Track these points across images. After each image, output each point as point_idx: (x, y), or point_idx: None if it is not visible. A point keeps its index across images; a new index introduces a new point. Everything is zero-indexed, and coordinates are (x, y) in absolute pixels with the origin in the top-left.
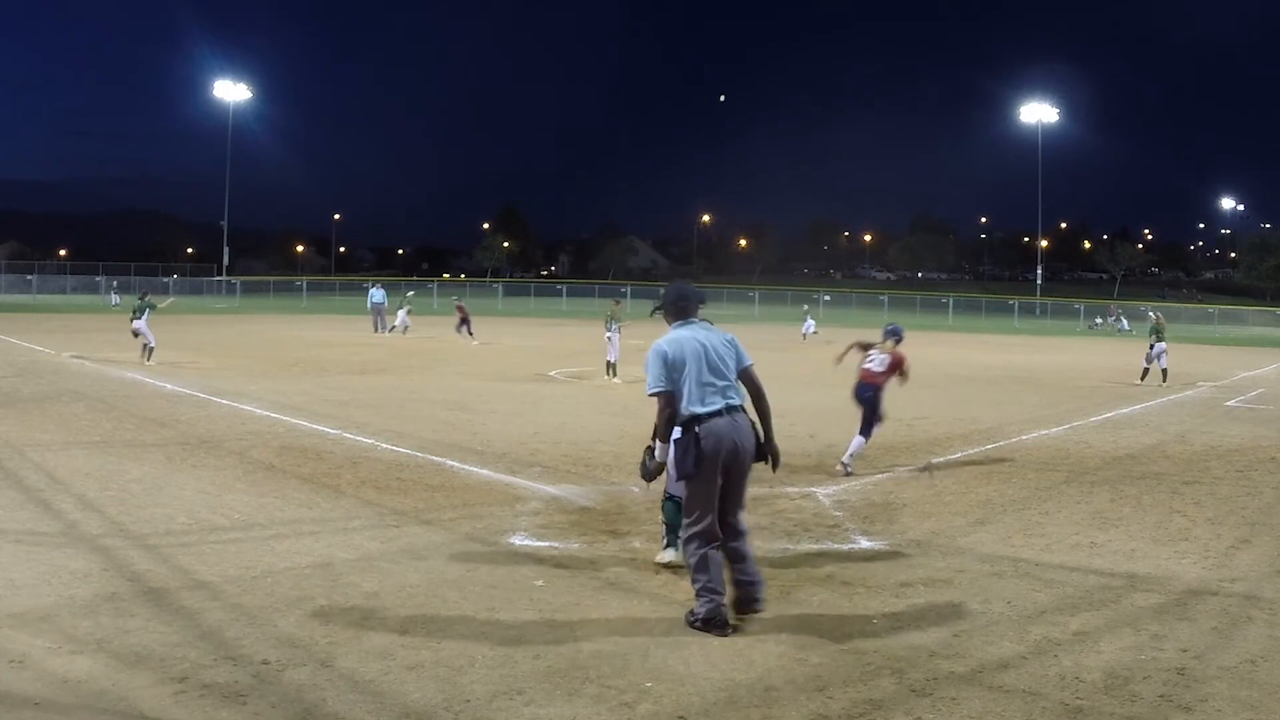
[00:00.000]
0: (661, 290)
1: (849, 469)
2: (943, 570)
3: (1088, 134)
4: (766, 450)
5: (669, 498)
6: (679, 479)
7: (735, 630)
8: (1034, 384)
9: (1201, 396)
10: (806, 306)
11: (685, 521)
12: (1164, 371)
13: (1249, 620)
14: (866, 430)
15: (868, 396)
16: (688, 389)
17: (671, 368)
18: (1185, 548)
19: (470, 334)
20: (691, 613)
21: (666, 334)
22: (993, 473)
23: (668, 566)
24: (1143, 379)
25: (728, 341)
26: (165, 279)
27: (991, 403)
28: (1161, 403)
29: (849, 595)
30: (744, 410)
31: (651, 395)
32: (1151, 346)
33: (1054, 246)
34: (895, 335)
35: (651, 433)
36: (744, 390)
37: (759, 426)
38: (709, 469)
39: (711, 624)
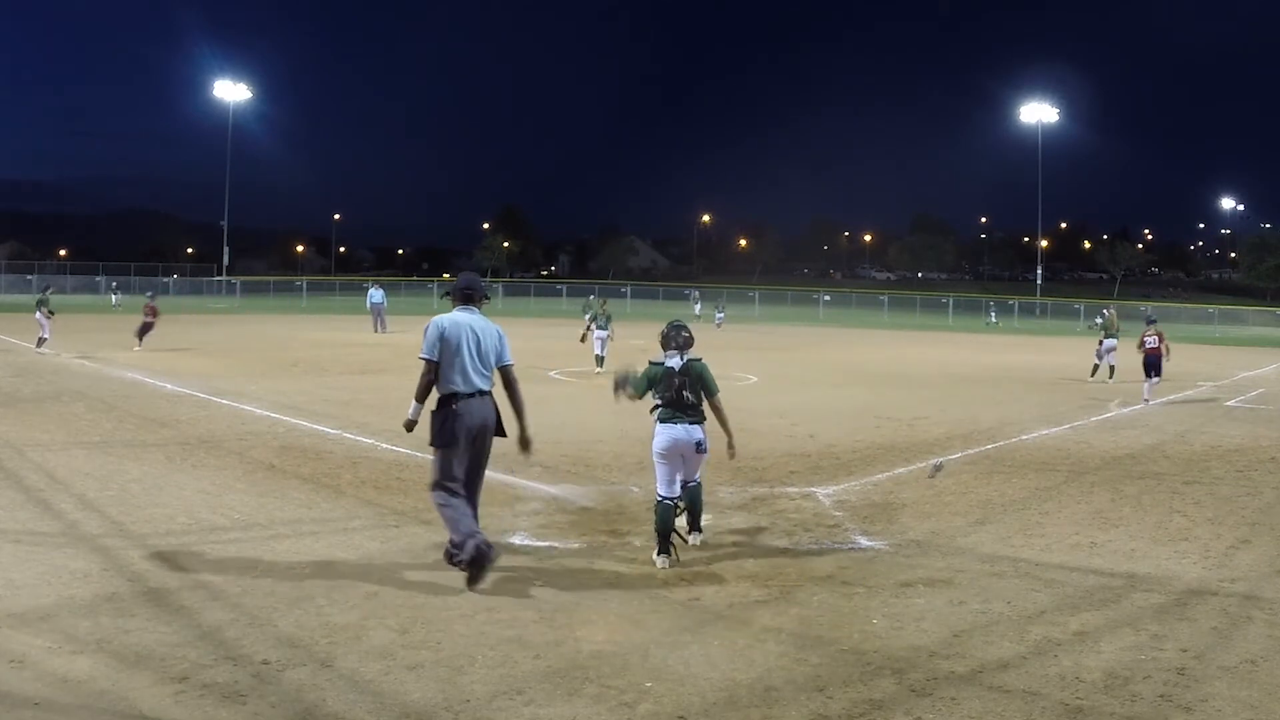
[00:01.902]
0: (453, 279)
1: (1149, 398)
2: (943, 570)
3: (1088, 134)
4: (522, 439)
5: (661, 499)
6: (434, 445)
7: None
8: (1034, 384)
9: (1201, 396)
10: (722, 299)
11: (432, 479)
12: (1111, 369)
13: (1249, 620)
14: (1158, 374)
15: (1154, 361)
16: (456, 367)
17: (445, 344)
18: (1185, 548)
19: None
20: (452, 549)
21: (449, 313)
22: (993, 473)
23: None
24: (1092, 375)
25: (499, 335)
26: (165, 279)
27: (991, 403)
28: (1161, 403)
29: (849, 595)
30: (489, 395)
31: (421, 359)
32: (1100, 343)
33: (1054, 246)
34: (1154, 321)
35: (617, 383)
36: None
37: (502, 412)
38: (461, 440)
39: (478, 562)
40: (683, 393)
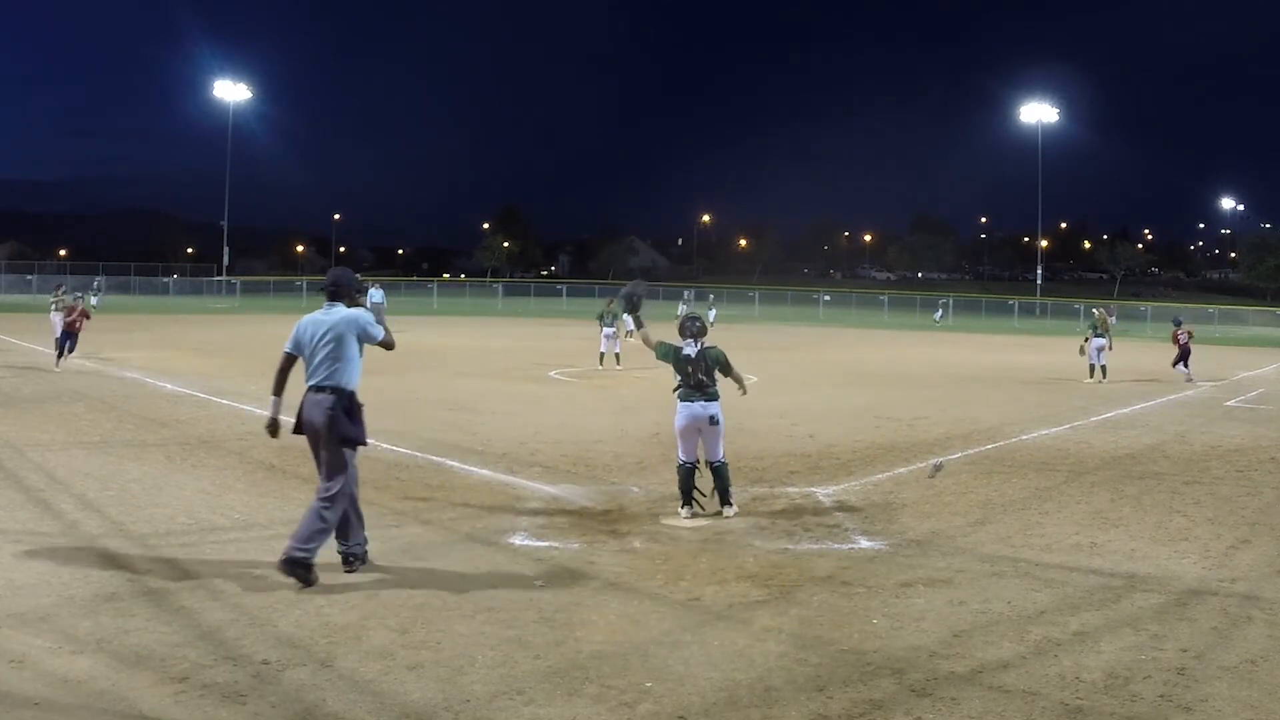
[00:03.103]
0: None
1: (1192, 378)
2: (943, 570)
3: (1088, 134)
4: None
5: (681, 464)
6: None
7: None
8: (1034, 384)
9: (1201, 396)
10: (712, 296)
11: None
12: (1103, 369)
13: (1249, 620)
14: (1187, 364)
15: (1189, 353)
16: (305, 363)
17: (299, 340)
18: (1185, 548)
19: (66, 353)
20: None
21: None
22: (993, 473)
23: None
24: (1090, 376)
25: (348, 322)
26: (165, 279)
27: (991, 403)
28: (1161, 403)
29: (849, 595)
30: (332, 391)
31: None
32: (1087, 340)
33: (1054, 246)
34: (1181, 322)
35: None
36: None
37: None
38: (306, 434)
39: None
40: (699, 376)
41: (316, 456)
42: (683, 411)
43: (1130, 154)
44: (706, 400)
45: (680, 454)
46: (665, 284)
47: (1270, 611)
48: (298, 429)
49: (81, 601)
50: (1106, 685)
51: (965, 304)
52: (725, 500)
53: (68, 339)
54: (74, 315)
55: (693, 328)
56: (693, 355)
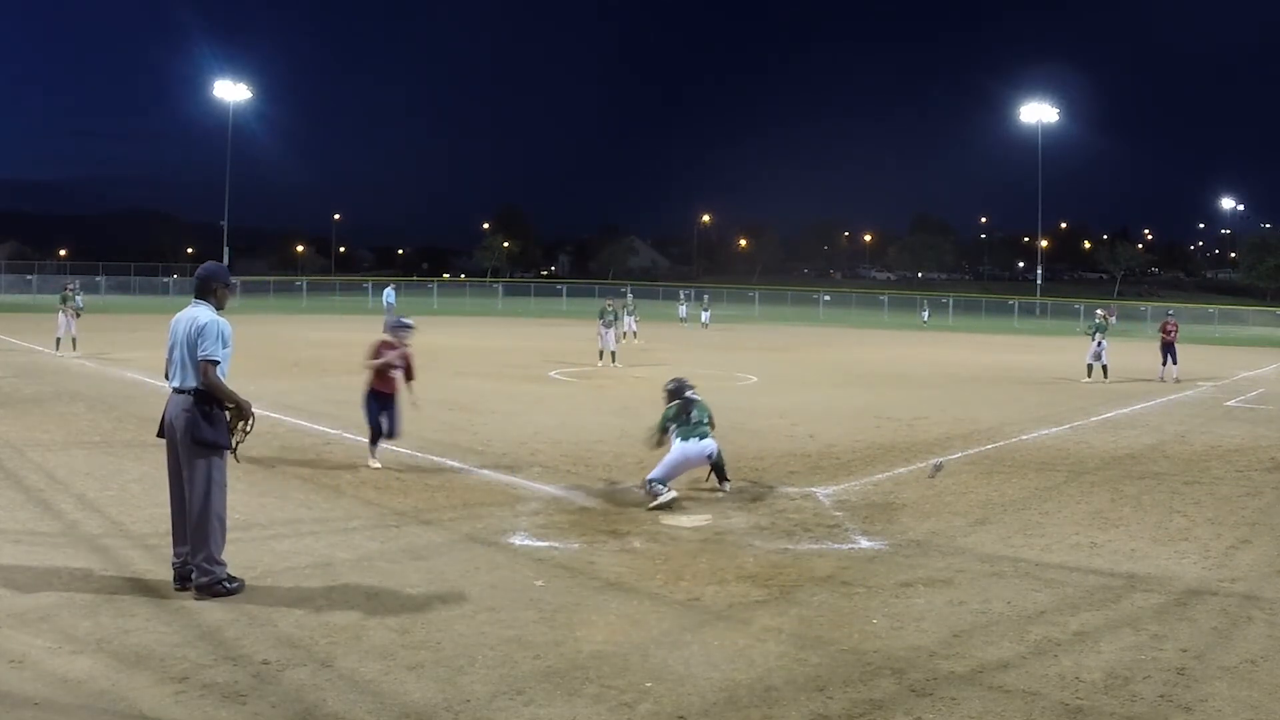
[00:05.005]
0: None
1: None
2: (943, 570)
3: (1088, 134)
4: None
5: (652, 482)
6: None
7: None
8: (1034, 384)
9: (1201, 396)
10: (707, 296)
11: None
12: (1104, 368)
13: (1249, 620)
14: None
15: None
16: (169, 363)
17: (169, 342)
18: (1185, 548)
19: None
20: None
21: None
22: (993, 473)
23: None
24: (1089, 375)
25: (198, 328)
26: (165, 279)
27: (991, 403)
28: (1161, 402)
29: (849, 595)
30: (188, 393)
31: None
32: (1099, 344)
33: (1054, 246)
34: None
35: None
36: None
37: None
38: (165, 437)
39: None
40: (689, 417)
41: (172, 462)
42: (682, 449)
43: (1130, 154)
44: (701, 439)
45: (656, 476)
46: (665, 284)
47: (1270, 611)
48: (160, 431)
49: (81, 601)
50: (1106, 685)
51: (965, 304)
52: (723, 478)
53: (384, 409)
54: (396, 354)
55: (678, 393)
56: (677, 407)
